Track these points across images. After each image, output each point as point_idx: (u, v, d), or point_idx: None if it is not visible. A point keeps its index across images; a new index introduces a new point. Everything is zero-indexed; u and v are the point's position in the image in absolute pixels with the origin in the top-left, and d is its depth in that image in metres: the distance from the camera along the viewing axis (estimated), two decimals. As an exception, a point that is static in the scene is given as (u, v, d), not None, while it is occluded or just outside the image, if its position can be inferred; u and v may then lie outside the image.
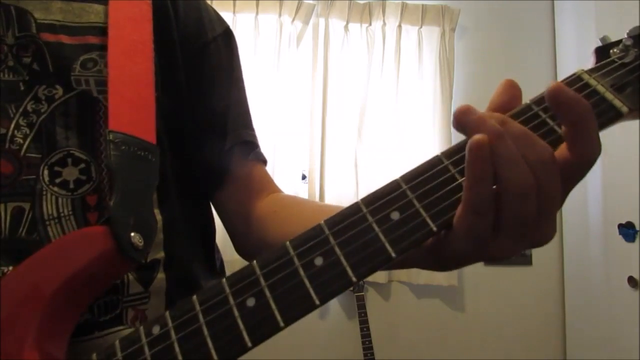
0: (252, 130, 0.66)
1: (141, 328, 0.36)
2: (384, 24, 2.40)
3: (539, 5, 2.62)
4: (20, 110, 0.49)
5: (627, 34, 0.39)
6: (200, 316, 0.34)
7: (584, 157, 0.34)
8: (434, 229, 0.34)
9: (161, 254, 0.53)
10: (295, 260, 0.34)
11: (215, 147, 0.62)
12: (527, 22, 2.61)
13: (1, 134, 0.48)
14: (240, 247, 0.66)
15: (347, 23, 2.39)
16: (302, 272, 0.34)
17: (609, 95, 0.36)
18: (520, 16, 2.61)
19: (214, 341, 0.33)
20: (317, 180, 2.32)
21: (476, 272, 2.44)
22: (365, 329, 2.14)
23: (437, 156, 0.36)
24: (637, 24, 0.39)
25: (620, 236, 2.03)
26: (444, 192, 0.34)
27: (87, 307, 0.45)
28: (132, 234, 0.44)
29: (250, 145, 0.65)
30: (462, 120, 0.34)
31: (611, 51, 0.39)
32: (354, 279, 0.33)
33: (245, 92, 0.67)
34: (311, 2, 2.37)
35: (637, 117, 0.37)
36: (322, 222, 0.35)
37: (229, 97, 0.64)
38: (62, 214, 0.48)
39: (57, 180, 0.49)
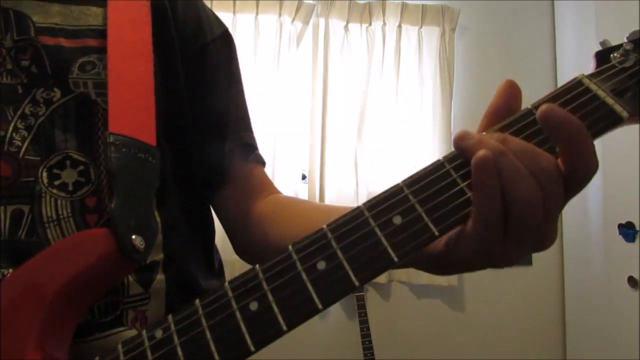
0: (252, 132, 0.66)
1: (144, 332, 0.36)
2: (384, 24, 2.40)
3: (539, 6, 2.62)
4: (19, 112, 0.49)
5: (627, 38, 0.39)
6: (203, 320, 0.35)
7: (581, 174, 0.34)
8: (436, 233, 0.34)
9: (160, 255, 0.53)
10: (298, 264, 0.34)
11: (214, 148, 0.62)
12: (527, 23, 2.61)
13: (0, 136, 0.48)
14: (239, 248, 0.66)
15: (347, 23, 2.38)
16: (304, 276, 0.34)
17: (609, 100, 0.36)
18: (520, 16, 2.61)
19: (217, 345, 0.33)
20: (317, 180, 2.32)
21: (476, 272, 2.41)
22: (365, 329, 2.14)
23: (439, 160, 0.36)
24: (638, 26, 0.39)
25: (620, 236, 2.03)
26: (445, 197, 0.35)
27: (88, 308, 0.45)
28: (134, 236, 0.44)
29: (249, 147, 0.65)
30: (462, 146, 0.35)
31: (611, 56, 0.39)
32: (356, 283, 0.33)
33: (244, 94, 0.67)
34: (311, 2, 2.37)
35: (637, 122, 0.37)
36: (325, 226, 0.35)
37: (228, 99, 0.64)
38: (61, 216, 0.48)
39: (56, 183, 0.49)
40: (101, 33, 0.54)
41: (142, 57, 0.55)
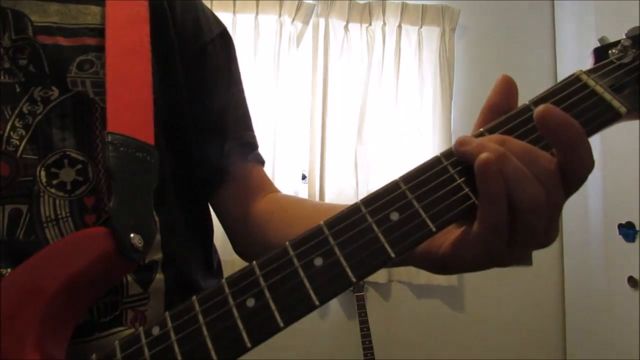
0: (252, 131, 0.66)
1: (141, 329, 0.36)
2: (384, 24, 2.40)
3: (539, 5, 2.62)
4: (16, 111, 0.49)
5: (626, 34, 0.39)
6: (200, 317, 0.35)
7: (580, 173, 0.34)
8: (434, 229, 0.34)
9: (159, 255, 0.53)
10: (295, 260, 0.34)
11: (214, 148, 0.62)
12: (527, 22, 2.61)
13: None
14: (238, 247, 0.66)
15: (347, 23, 2.39)
16: (301, 272, 0.34)
17: (608, 96, 0.36)
18: (520, 16, 2.61)
19: (214, 342, 0.33)
20: (317, 180, 2.32)
21: (476, 272, 2.42)
22: (365, 329, 2.14)
23: (436, 157, 0.36)
24: (637, 24, 0.39)
25: (620, 236, 2.03)
26: (443, 193, 0.34)
27: (87, 308, 0.45)
28: (132, 235, 0.44)
29: (250, 146, 0.65)
30: (462, 152, 0.35)
31: (610, 52, 0.39)
32: (353, 280, 0.33)
33: (244, 93, 0.67)
34: (311, 2, 2.37)
35: (636, 118, 0.37)
36: (322, 222, 0.35)
37: (227, 98, 0.64)
38: (59, 216, 0.48)
39: (54, 182, 0.49)
40: (99, 32, 0.54)
41: (141, 56, 0.55)
